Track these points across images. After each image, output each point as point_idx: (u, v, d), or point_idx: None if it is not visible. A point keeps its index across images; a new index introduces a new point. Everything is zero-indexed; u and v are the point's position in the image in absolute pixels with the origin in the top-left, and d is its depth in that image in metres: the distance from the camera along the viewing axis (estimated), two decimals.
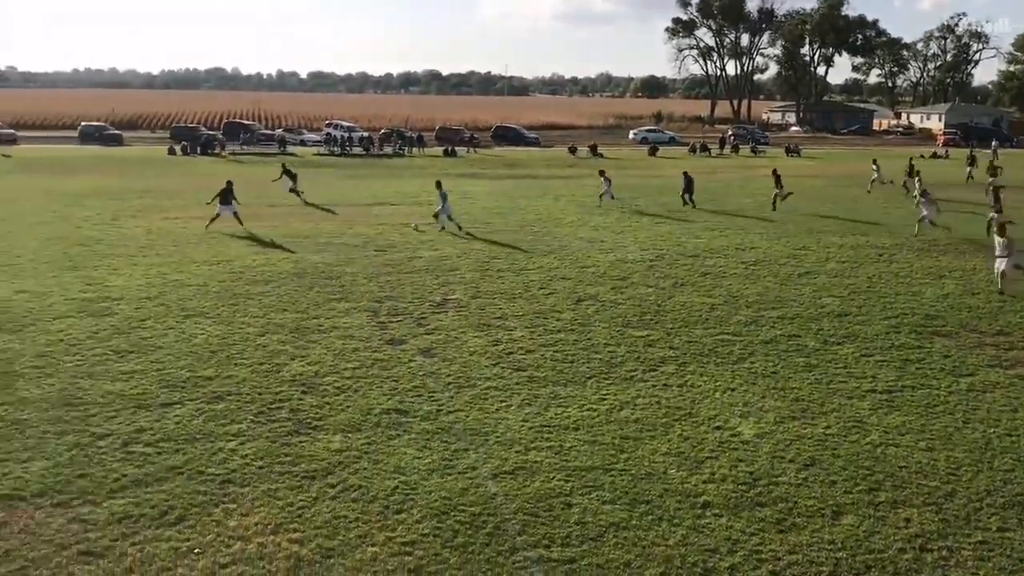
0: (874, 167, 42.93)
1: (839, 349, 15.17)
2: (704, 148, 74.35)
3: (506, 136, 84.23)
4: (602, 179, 35.26)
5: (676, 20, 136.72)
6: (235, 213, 27.02)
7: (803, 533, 8.87)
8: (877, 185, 41.38)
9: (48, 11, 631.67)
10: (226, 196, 27.09)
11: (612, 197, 34.72)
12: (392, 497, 9.48)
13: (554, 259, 22.86)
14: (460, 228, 27.03)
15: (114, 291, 18.37)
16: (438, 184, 28.45)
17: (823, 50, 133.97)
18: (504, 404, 12.35)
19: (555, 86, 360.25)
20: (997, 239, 19.74)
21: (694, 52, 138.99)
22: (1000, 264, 19.39)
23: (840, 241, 26.19)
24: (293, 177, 35.28)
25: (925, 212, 27.36)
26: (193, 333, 15.42)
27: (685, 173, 35.70)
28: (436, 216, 27.79)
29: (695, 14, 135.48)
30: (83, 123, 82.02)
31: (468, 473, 10.09)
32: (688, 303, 18.20)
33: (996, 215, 26.25)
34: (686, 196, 34.60)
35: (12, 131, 75.87)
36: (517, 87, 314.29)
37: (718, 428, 11.60)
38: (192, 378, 13.10)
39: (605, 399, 12.60)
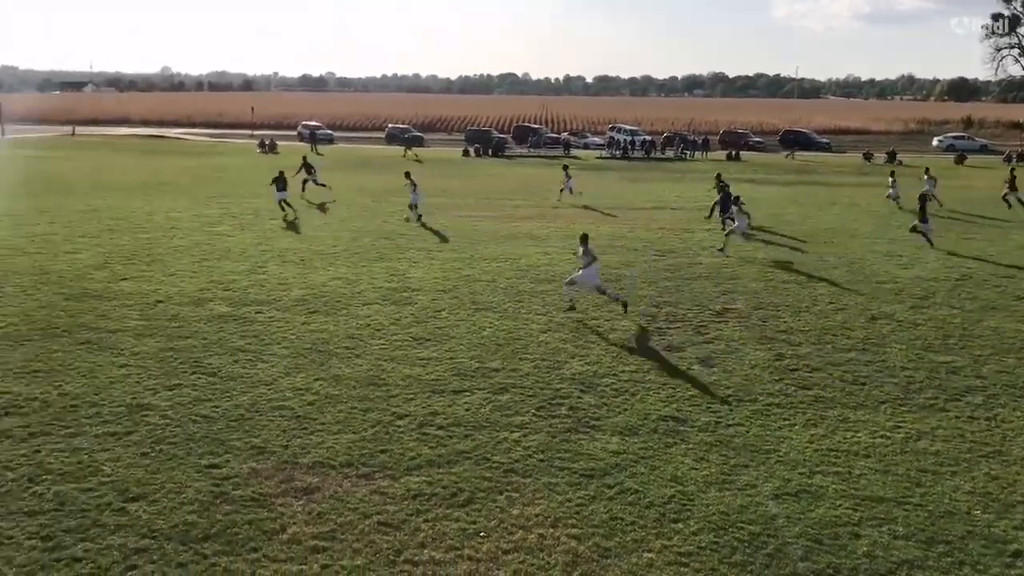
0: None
1: None
2: (1021, 158, 66.98)
3: (796, 140, 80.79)
4: (564, 173, 36.83)
5: (996, 16, 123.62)
6: (285, 200, 30.41)
7: None
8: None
9: (361, 23, 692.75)
10: (280, 184, 30.48)
11: (571, 192, 36.01)
12: (668, 505, 9.44)
13: (845, 272, 21.63)
14: (419, 219, 28.78)
15: (413, 282, 19.81)
16: (407, 175, 30.34)
17: None
18: (787, 422, 11.88)
19: (850, 88, 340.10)
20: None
21: (1015, 51, 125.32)
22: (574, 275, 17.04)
23: None
24: (310, 170, 36.48)
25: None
26: (482, 326, 16.27)
27: (718, 175, 29.48)
28: (411, 207, 29.49)
29: (1019, 9, 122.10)
30: (389, 125, 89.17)
31: (748, 490, 9.82)
32: (1000, 328, 16.51)
33: None
34: (721, 215, 27.62)
35: (330, 132, 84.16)
36: (807, 89, 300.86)
37: None
38: (480, 368, 13.83)
39: (900, 427, 11.75)
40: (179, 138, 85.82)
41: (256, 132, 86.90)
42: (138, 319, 16.29)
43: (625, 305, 17.34)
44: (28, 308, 16.86)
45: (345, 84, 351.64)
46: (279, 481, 9.81)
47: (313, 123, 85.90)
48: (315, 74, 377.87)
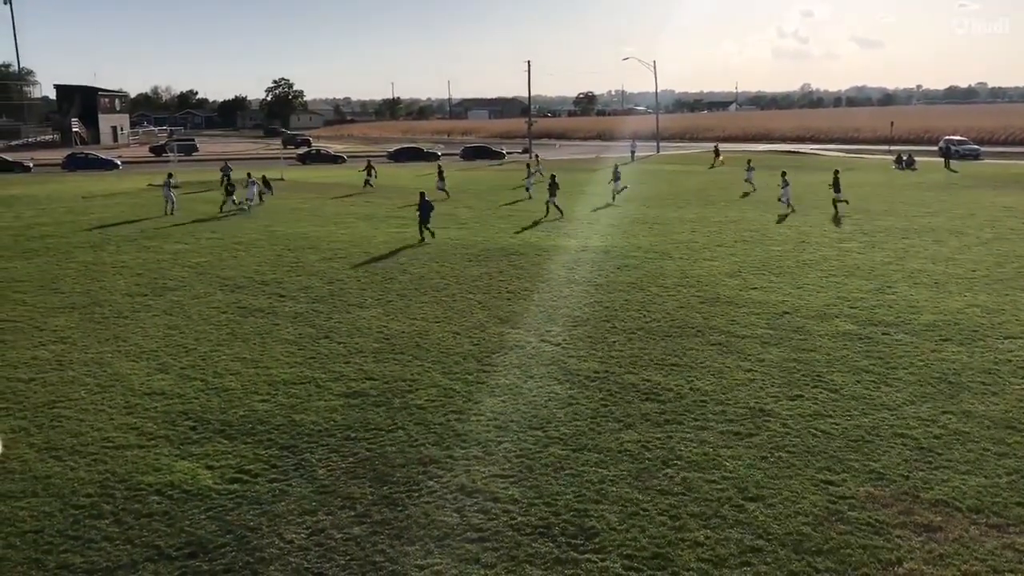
0: None
1: None
2: None
3: None
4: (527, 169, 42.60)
5: None
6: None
7: None
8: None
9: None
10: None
11: (526, 190, 41.24)
12: None
13: None
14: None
15: None
16: (248, 175, 39.33)
17: None
18: None
19: None
20: None
21: None
22: None
23: None
24: (553, 187, 36.91)
25: None
26: None
27: (422, 194, 30.20)
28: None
29: None
30: None
31: None
32: None
33: None
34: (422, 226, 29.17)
35: (976, 147, 77.20)
36: None
37: None
38: None
39: None
40: (814, 153, 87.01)
41: (893, 147, 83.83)
42: (764, 327, 16.94)
43: None
44: (669, 308, 18.70)
45: (998, 95, 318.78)
46: (897, 511, 9.35)
47: (957, 137, 79.73)
48: (962, 85, 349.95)
